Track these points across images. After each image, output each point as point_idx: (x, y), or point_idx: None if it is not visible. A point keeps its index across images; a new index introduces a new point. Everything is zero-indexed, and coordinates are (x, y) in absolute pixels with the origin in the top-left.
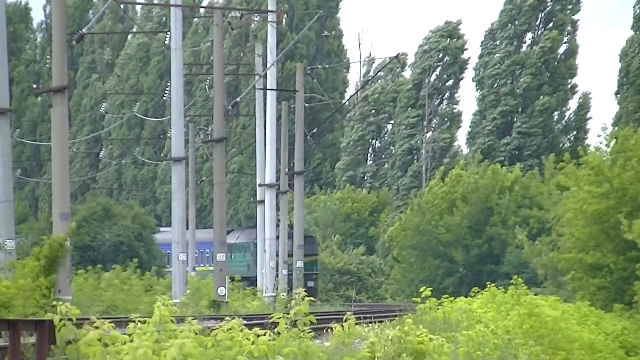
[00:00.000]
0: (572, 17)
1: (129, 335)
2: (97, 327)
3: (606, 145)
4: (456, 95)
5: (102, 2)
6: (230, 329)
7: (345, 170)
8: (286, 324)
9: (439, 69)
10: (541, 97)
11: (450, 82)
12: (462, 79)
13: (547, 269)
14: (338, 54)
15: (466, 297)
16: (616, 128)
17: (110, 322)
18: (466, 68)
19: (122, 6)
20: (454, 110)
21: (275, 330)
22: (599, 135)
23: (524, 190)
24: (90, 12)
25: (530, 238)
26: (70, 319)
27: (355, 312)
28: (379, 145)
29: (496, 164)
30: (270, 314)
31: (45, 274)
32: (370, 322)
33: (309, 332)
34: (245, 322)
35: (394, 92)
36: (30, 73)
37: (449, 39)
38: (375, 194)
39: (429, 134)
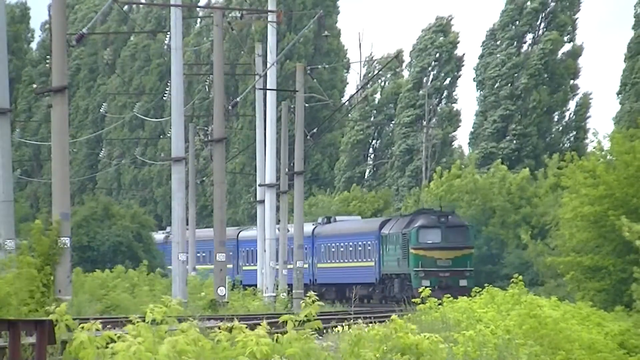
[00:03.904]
0: (574, 17)
1: (128, 334)
2: (87, 329)
3: (598, 150)
4: (454, 93)
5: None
6: (234, 329)
7: (345, 171)
8: (294, 325)
9: (436, 67)
10: (540, 97)
11: (447, 81)
12: (459, 77)
13: (549, 269)
14: (337, 53)
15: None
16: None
17: (100, 323)
18: (462, 65)
19: (124, 7)
20: (453, 110)
21: (281, 332)
22: (591, 141)
23: (520, 192)
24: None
25: (532, 238)
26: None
27: (355, 313)
28: (379, 145)
29: (499, 165)
30: (270, 314)
31: (41, 271)
32: (371, 322)
33: (312, 334)
34: (246, 322)
35: (394, 93)
36: (37, 74)
37: (442, 36)
38: (377, 193)
39: (427, 133)
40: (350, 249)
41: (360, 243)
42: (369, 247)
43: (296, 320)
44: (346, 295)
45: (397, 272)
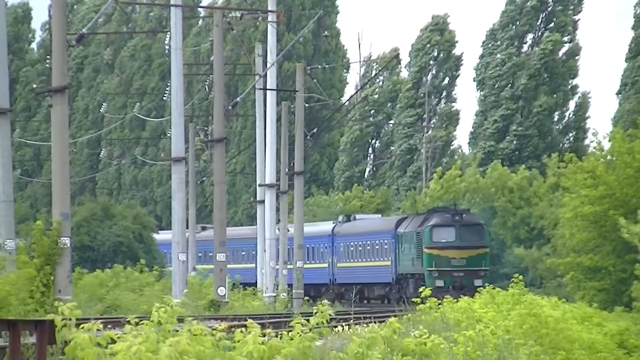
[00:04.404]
0: (574, 17)
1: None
2: (87, 330)
3: (599, 150)
4: (453, 93)
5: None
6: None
7: (344, 171)
8: (302, 328)
9: (435, 67)
10: (540, 98)
11: (446, 81)
12: (457, 76)
13: (548, 271)
14: (336, 53)
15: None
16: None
17: (102, 322)
18: (461, 64)
19: (128, 8)
20: (452, 109)
21: (284, 331)
22: (591, 141)
23: (520, 192)
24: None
25: (531, 239)
26: (71, 319)
27: (355, 313)
28: (379, 145)
29: (497, 165)
30: (270, 314)
31: (41, 271)
32: (371, 322)
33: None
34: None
35: (392, 91)
36: (37, 74)
37: (439, 35)
38: (376, 193)
39: (428, 133)
40: (368, 247)
41: (377, 242)
42: (386, 246)
43: (308, 326)
44: (365, 295)
45: (411, 272)
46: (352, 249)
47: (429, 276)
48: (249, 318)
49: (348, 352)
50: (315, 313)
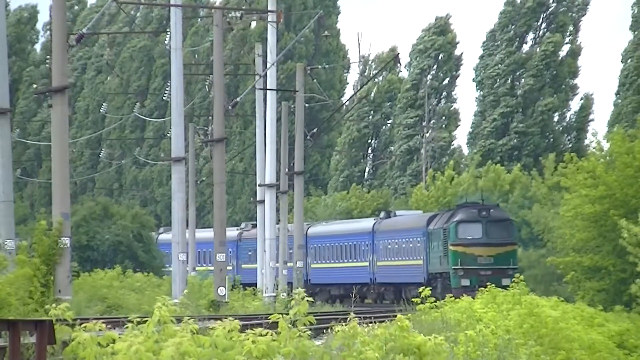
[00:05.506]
0: (575, 18)
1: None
2: (89, 330)
3: (598, 150)
4: (453, 93)
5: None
6: (230, 330)
7: (341, 171)
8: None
9: (435, 67)
10: (542, 98)
11: (446, 81)
12: (458, 76)
13: (546, 273)
14: (337, 53)
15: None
16: (615, 128)
17: (103, 322)
18: (461, 65)
19: (130, 11)
20: (451, 108)
21: (276, 330)
22: (591, 142)
23: (524, 191)
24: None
25: (532, 239)
26: (65, 320)
27: (355, 312)
28: (378, 144)
29: (495, 164)
30: (269, 314)
31: (40, 271)
32: (371, 322)
33: (306, 332)
34: (246, 322)
35: (390, 90)
36: (41, 75)
37: (441, 37)
38: (377, 193)
39: (428, 134)
40: (404, 245)
41: (411, 240)
42: (418, 244)
43: (289, 319)
44: (402, 295)
45: (439, 271)
46: (389, 247)
47: (454, 275)
48: (249, 318)
49: (333, 346)
50: (294, 305)
